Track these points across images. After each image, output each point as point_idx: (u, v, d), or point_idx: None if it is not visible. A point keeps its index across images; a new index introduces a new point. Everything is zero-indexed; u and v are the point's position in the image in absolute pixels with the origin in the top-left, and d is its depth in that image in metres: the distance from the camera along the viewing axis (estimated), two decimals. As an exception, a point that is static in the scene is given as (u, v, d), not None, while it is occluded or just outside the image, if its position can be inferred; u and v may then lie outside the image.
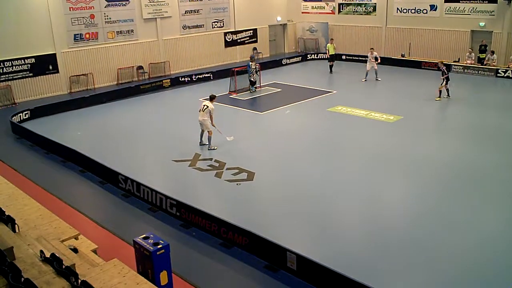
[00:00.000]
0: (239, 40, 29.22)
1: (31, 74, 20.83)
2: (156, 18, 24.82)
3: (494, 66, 23.00)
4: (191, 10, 26.43)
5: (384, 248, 8.59)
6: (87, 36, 22.38)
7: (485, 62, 23.50)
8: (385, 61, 24.74)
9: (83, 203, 10.86)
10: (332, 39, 26.30)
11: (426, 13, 26.20)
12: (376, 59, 22.39)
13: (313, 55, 29.71)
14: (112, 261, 6.43)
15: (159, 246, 6.76)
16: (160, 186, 10.68)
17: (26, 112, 17.76)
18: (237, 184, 11.48)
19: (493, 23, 23.97)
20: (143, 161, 13.49)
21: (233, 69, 21.90)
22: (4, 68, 19.99)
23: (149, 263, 6.79)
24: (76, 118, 18.01)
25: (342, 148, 14.03)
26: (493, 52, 23.36)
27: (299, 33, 32.19)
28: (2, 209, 7.51)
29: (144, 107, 19.62)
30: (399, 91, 21.03)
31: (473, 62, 23.82)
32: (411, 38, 26.98)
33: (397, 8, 27.38)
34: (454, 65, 24.07)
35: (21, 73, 20.54)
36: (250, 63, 21.07)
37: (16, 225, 7.01)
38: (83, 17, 22.04)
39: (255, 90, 21.46)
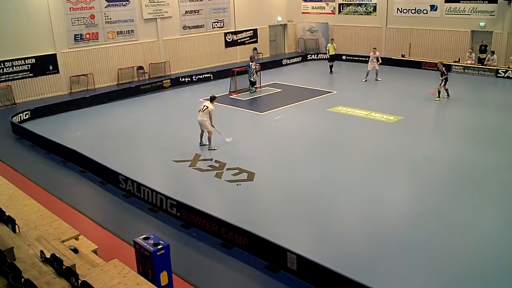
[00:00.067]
0: (239, 40, 29.23)
1: (31, 75, 20.84)
2: (156, 18, 24.83)
3: (494, 66, 23.00)
4: (192, 10, 26.44)
5: (384, 248, 8.59)
6: (88, 36, 22.39)
7: (485, 63, 23.49)
8: (385, 61, 24.70)
9: (84, 203, 10.86)
10: (332, 39, 26.31)
11: (427, 13, 26.20)
12: (377, 59, 22.38)
13: (313, 55, 29.71)
14: (112, 262, 6.43)
15: (159, 247, 6.76)
16: (161, 187, 10.68)
17: (27, 112, 17.76)
18: (237, 184, 11.48)
19: (493, 23, 23.97)
20: (144, 162, 13.49)
21: (233, 69, 21.91)
22: (5, 68, 20.00)
23: (149, 263, 6.79)
24: (77, 119, 18.02)
25: (342, 148, 14.03)
26: (493, 53, 23.36)
27: (299, 33, 32.20)
28: (3, 209, 7.51)
29: (144, 107, 19.62)
30: (399, 91, 21.03)
31: (473, 62, 23.82)
32: (411, 38, 26.98)
33: (397, 8, 27.38)
34: (455, 65, 24.08)
35: (22, 73, 20.56)
36: (250, 63, 21.07)
37: (16, 226, 7.02)
38: (83, 17, 22.05)
39: (255, 91, 21.46)
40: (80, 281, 5.48)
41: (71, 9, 21.56)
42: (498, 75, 22.65)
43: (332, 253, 8.41)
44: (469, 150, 13.48)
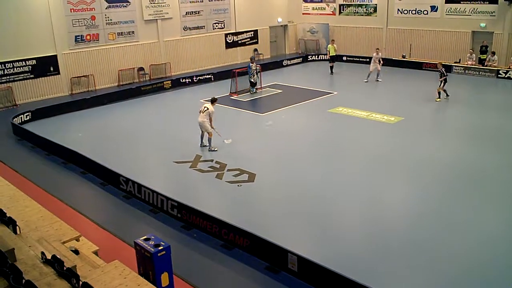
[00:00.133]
0: (240, 41, 29.24)
1: (32, 76, 20.86)
2: (157, 19, 24.85)
3: (495, 67, 22.99)
4: (192, 12, 26.46)
5: (385, 249, 8.60)
6: (88, 37, 22.42)
7: (486, 63, 23.48)
8: (386, 62, 24.64)
9: (84, 204, 10.87)
10: (333, 40, 26.32)
11: (427, 14, 26.21)
12: (379, 61, 22.36)
13: (313, 56, 29.72)
14: (113, 263, 6.44)
15: (160, 248, 6.77)
16: (161, 188, 10.68)
17: (27, 113, 17.78)
18: (238, 185, 11.48)
19: (494, 24, 23.96)
20: (144, 163, 13.50)
21: (234, 70, 21.91)
22: (5, 70, 20.02)
23: (150, 264, 6.79)
24: (77, 120, 18.03)
25: (343, 149, 14.03)
26: (494, 53, 23.35)
27: (299, 34, 32.21)
28: (3, 210, 7.52)
29: (145, 108, 19.64)
30: (400, 92, 21.02)
31: (474, 63, 23.81)
32: (412, 39, 26.97)
33: (398, 9, 27.37)
34: (455, 66, 24.06)
35: (22, 75, 20.58)
36: (251, 64, 21.07)
37: (17, 227, 7.04)
38: (84, 19, 22.08)
39: (256, 91, 21.46)
40: (81, 283, 5.49)
41: (72, 10, 21.58)
42: (499, 75, 22.63)
43: (332, 254, 8.42)
44: (470, 150, 13.48)
